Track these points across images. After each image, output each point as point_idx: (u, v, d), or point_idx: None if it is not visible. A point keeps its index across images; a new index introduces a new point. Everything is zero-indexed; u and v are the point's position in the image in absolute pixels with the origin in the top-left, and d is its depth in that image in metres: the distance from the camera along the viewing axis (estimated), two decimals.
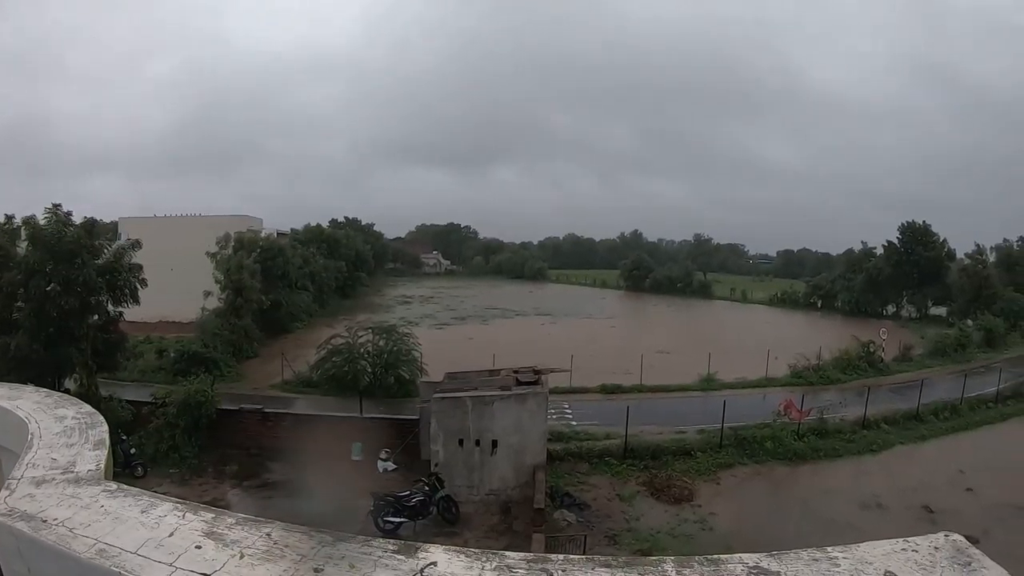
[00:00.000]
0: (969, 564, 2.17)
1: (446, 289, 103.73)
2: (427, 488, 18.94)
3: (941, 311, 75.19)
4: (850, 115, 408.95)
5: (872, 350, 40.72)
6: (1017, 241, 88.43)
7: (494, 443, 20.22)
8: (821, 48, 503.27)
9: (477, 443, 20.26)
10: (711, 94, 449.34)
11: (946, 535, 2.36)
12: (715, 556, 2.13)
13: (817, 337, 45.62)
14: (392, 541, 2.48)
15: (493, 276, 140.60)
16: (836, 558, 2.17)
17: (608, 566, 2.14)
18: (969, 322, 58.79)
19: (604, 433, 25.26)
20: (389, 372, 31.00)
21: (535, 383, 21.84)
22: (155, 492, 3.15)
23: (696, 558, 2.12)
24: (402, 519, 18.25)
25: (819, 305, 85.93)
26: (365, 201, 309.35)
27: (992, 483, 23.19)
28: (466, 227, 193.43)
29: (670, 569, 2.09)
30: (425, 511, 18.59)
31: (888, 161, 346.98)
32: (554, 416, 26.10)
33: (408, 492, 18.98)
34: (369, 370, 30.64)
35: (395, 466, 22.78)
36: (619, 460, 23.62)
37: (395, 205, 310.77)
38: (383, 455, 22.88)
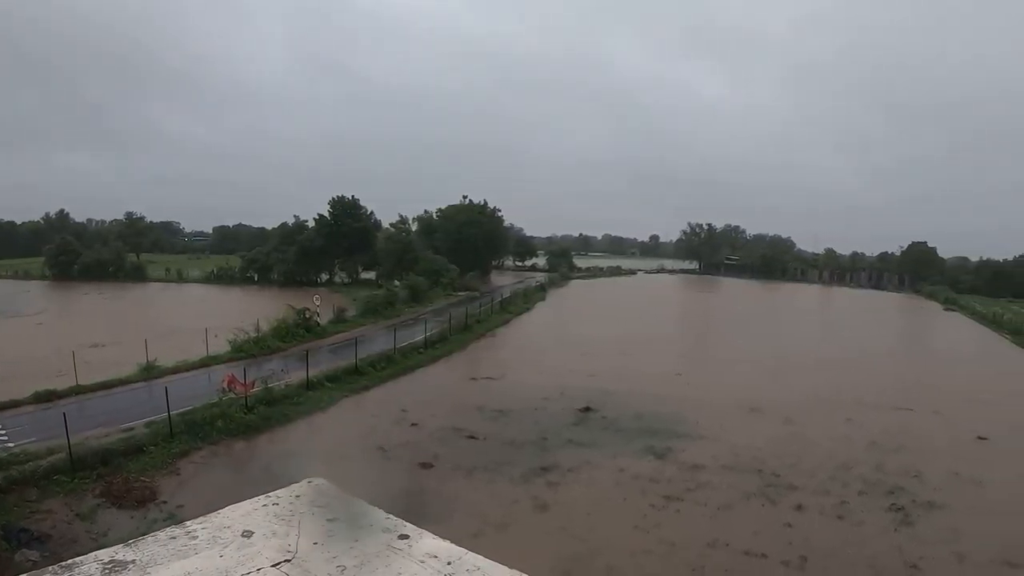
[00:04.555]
0: (329, 504, 2.28)
1: None
2: None
3: (371, 275, 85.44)
4: (265, 101, 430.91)
5: (308, 316, 44.19)
6: (436, 211, 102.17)
7: None
8: (231, 36, 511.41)
9: None
10: (132, 74, 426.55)
11: (309, 481, 2.44)
12: (69, 561, 2.00)
13: (255, 310, 47.57)
14: None
15: None
16: (194, 530, 2.14)
17: None
18: (396, 282, 68.34)
19: (46, 449, 22.62)
20: None
21: None
22: None
23: (50, 568, 1.95)
24: None
25: (256, 279, 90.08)
26: None
27: (431, 414, 28.05)
28: None
29: None
30: None
31: (307, 140, 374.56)
32: None
33: None
34: None
35: None
36: (69, 476, 21.33)
37: None
38: None
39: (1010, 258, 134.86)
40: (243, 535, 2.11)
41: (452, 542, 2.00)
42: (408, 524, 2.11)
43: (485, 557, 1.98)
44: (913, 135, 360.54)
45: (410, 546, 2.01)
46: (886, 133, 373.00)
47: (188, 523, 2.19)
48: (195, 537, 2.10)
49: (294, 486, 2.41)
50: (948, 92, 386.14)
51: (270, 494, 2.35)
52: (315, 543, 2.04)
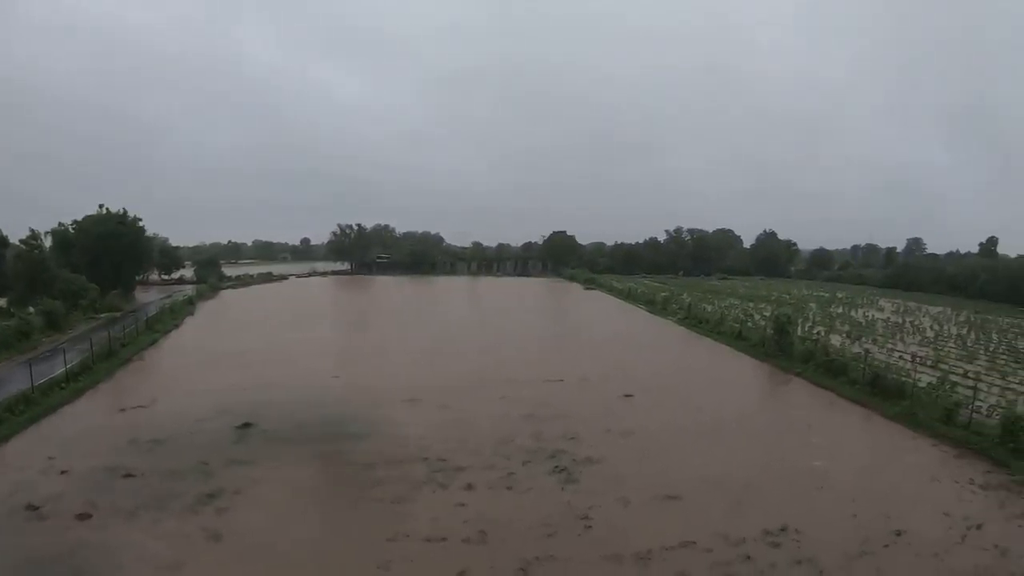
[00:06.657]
0: None
1: None
2: None
3: (2, 302, 76.95)
4: None
5: None
6: (71, 224, 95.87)
7: None
8: None
9: None
10: None
11: None
12: None
13: None
14: None
15: None
16: None
17: None
18: (31, 308, 60.85)
19: None
20: None
21: None
22: None
23: None
24: None
25: None
26: None
27: (82, 456, 24.90)
28: None
29: None
30: None
31: None
32: None
33: None
34: None
35: None
36: None
37: None
38: None
39: (641, 241, 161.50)
40: None
41: None
42: None
43: None
44: (556, 146, 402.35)
45: None
46: (537, 141, 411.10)
47: None
48: None
49: None
50: (586, 112, 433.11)
51: None
52: None
